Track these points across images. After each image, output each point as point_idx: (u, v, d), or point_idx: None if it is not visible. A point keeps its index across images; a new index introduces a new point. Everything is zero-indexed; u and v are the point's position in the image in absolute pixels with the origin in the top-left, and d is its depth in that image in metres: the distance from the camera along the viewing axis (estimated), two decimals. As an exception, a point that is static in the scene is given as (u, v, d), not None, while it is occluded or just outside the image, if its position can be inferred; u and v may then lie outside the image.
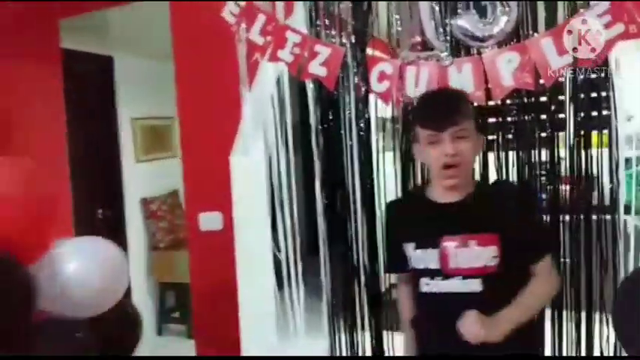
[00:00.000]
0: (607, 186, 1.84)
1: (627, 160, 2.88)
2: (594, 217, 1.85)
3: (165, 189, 4.21)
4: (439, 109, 1.44)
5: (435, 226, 1.44)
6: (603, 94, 1.72)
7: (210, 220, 2.21)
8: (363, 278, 2.03)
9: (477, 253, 1.38)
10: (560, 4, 1.70)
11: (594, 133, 1.84)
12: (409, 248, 1.47)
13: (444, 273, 1.41)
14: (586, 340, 1.79)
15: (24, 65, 2.60)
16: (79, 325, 1.09)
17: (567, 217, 1.93)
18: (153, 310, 3.93)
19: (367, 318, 2.04)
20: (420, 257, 1.45)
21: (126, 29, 3.49)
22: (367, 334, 2.03)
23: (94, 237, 1.21)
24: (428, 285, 1.44)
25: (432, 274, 1.43)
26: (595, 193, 1.86)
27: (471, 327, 1.32)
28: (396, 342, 2.10)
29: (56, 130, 2.75)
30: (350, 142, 1.98)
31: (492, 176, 1.89)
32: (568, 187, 1.89)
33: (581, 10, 1.63)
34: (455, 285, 1.40)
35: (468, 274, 1.39)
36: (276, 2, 1.98)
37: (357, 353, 2.10)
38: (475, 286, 1.38)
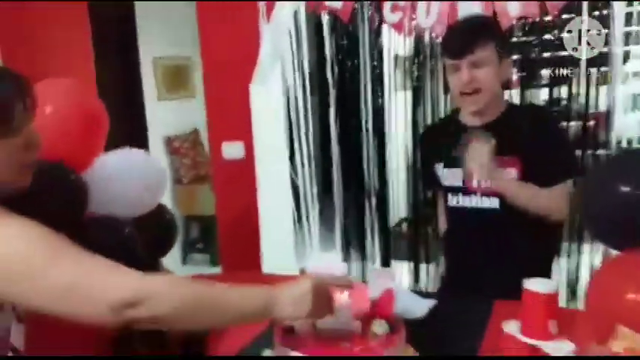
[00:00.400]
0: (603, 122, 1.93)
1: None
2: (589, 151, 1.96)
3: (187, 127, 4.37)
4: (456, 38, 1.49)
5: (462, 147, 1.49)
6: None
7: (232, 149, 2.35)
8: (374, 202, 2.19)
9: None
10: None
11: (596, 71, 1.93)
12: (439, 167, 1.58)
13: (466, 190, 1.52)
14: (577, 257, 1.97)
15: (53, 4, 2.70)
16: (126, 223, 1.26)
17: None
18: (178, 241, 4.17)
19: (377, 237, 2.22)
20: (447, 175, 1.56)
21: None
22: (377, 250, 2.22)
23: (134, 149, 1.37)
24: (453, 200, 1.56)
25: (456, 190, 1.54)
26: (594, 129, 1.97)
27: (481, 155, 1.39)
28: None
29: (85, 63, 2.88)
30: (363, 73, 2.09)
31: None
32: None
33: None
34: (475, 201, 1.50)
35: (487, 193, 1.47)
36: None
37: (367, 269, 2.30)
38: (493, 203, 1.47)
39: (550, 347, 0.81)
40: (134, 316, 0.80)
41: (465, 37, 1.45)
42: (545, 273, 1.65)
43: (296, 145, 2.25)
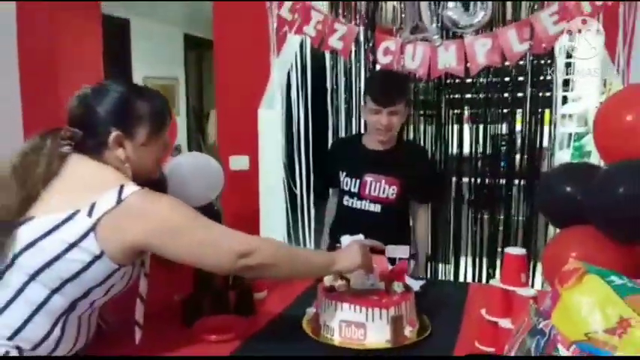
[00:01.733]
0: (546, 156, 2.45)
1: (574, 135, 3.49)
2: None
3: (170, 143, 4.65)
4: (384, 91, 1.94)
5: (362, 164, 2.04)
6: (548, 77, 2.31)
7: (239, 162, 2.70)
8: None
9: (383, 188, 2.01)
10: (523, 4, 2.27)
11: (543, 111, 2.44)
12: (342, 175, 2.07)
13: (359, 196, 2.03)
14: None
15: (71, 26, 2.99)
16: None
17: (520, 181, 2.56)
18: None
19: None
20: (347, 182, 2.05)
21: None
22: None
23: (200, 153, 1.70)
24: (348, 202, 2.07)
25: (351, 195, 2.05)
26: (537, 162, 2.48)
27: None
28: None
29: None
30: (357, 102, 2.52)
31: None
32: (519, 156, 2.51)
33: (537, 10, 2.21)
34: (364, 205, 2.03)
35: (373, 200, 2.01)
36: (304, -13, 2.46)
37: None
38: (376, 208, 2.01)
39: (521, 291, 1.23)
40: (247, 263, 1.15)
41: (391, 92, 1.95)
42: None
43: (296, 160, 2.64)
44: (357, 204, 2.04)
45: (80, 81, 2.91)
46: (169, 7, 4.02)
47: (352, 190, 2.04)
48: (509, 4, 2.26)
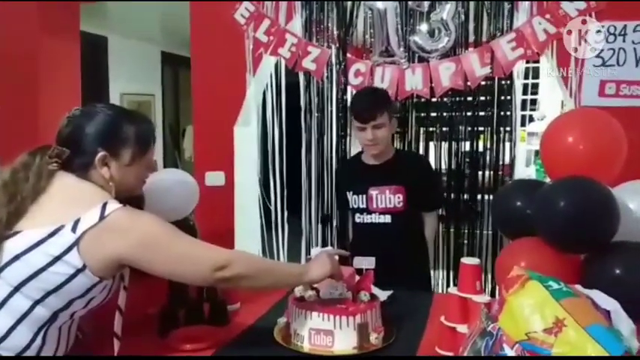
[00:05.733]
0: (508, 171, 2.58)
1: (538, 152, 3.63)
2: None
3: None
4: (364, 108, 2.04)
5: (365, 180, 2.13)
6: (508, 97, 2.45)
7: (215, 178, 2.76)
8: (335, 222, 2.68)
9: (389, 198, 2.09)
10: (484, 30, 2.41)
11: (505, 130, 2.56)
12: (349, 194, 2.16)
13: (368, 210, 2.12)
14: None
15: (49, 42, 3.04)
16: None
17: (485, 196, 2.67)
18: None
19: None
20: (355, 200, 2.15)
21: (120, 13, 3.96)
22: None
23: (174, 169, 1.77)
24: (359, 218, 2.16)
25: (361, 211, 2.14)
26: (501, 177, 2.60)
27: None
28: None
29: (74, 98, 3.21)
30: (330, 120, 2.63)
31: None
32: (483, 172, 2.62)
33: (497, 36, 2.36)
34: (374, 218, 2.11)
35: (382, 212, 2.09)
36: (279, 11, 2.57)
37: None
38: (387, 219, 2.09)
39: (476, 298, 1.33)
40: (223, 275, 1.22)
41: (370, 108, 2.04)
42: (423, 263, 2.24)
43: (271, 176, 2.72)
44: (368, 218, 2.12)
45: (59, 97, 2.98)
46: (147, 25, 4.10)
47: (360, 206, 2.13)
48: (470, 29, 2.40)
